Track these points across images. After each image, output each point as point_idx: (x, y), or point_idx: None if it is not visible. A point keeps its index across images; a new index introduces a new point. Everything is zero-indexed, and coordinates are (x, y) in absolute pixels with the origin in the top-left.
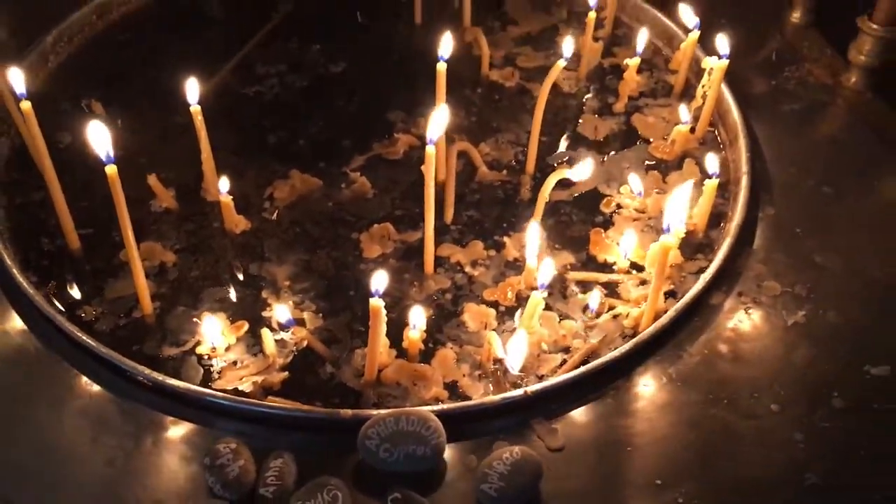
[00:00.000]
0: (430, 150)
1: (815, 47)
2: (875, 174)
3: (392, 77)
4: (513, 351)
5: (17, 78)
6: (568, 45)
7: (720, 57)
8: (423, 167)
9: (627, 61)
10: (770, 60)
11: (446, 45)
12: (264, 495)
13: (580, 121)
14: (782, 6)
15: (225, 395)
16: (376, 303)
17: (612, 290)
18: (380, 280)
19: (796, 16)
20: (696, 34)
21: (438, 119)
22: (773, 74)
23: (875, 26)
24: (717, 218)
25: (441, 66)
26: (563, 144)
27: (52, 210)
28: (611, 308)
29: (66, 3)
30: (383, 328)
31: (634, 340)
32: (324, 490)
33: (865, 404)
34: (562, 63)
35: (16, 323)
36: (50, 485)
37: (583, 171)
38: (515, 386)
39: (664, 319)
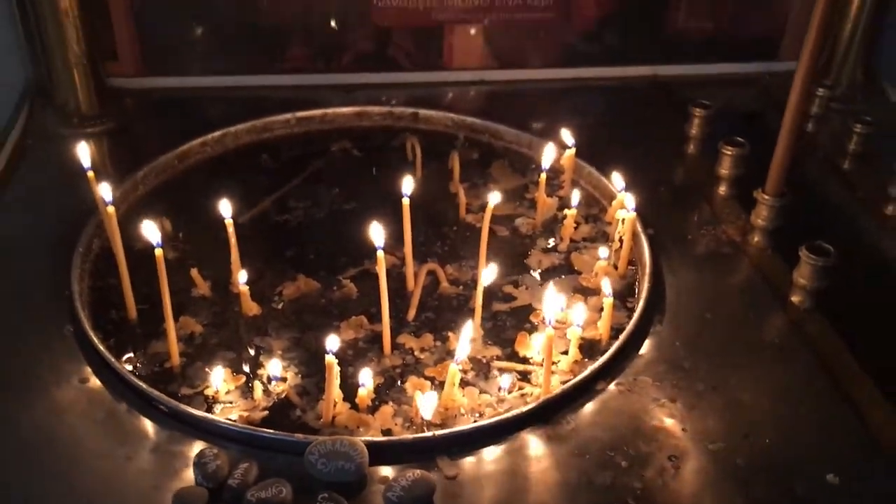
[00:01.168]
0: (379, 254)
1: (732, 213)
2: (757, 314)
3: (388, 214)
4: (425, 403)
5: (107, 191)
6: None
7: (629, 211)
8: (377, 267)
9: (566, 211)
10: (694, 220)
11: (408, 186)
12: (231, 485)
13: (529, 254)
14: (712, 181)
15: (217, 419)
16: (330, 359)
17: (525, 377)
18: (332, 342)
19: (722, 189)
20: (622, 195)
21: (376, 235)
22: (695, 230)
23: (767, 197)
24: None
25: (405, 201)
26: (512, 271)
27: (119, 291)
28: (520, 388)
29: (157, 148)
30: (336, 380)
31: (528, 406)
32: (273, 486)
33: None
34: (495, 199)
35: (86, 368)
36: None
37: (489, 275)
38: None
39: (554, 393)
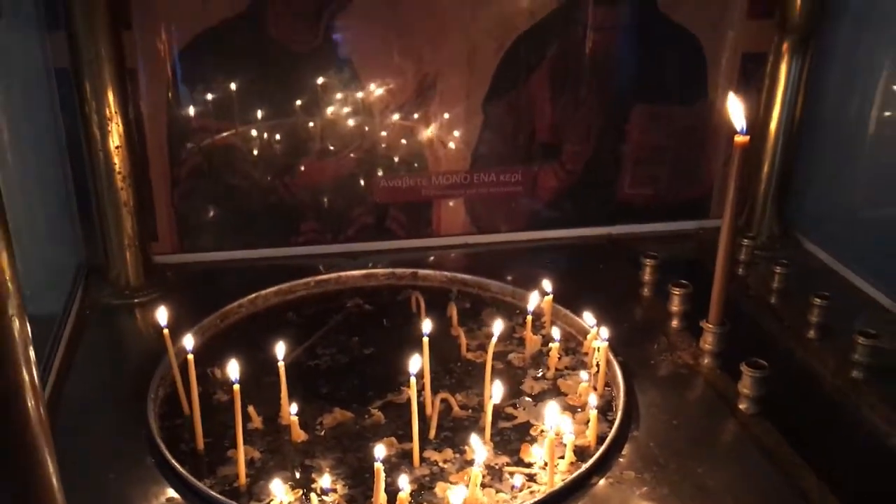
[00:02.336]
0: (412, 380)
1: (684, 342)
2: (712, 420)
3: (403, 355)
4: (454, 497)
5: (189, 341)
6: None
7: (603, 341)
8: (407, 392)
9: (551, 345)
10: (654, 348)
11: (427, 326)
12: None
13: (523, 382)
14: (666, 317)
15: None
16: (378, 465)
17: (532, 478)
18: (379, 451)
19: (674, 323)
20: (594, 331)
21: (414, 365)
22: (656, 357)
23: (711, 326)
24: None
25: (425, 339)
26: (511, 396)
27: (185, 428)
28: (528, 487)
29: (198, 312)
30: (382, 483)
31: (536, 497)
32: None
33: None
34: (498, 327)
35: (170, 490)
36: None
37: (497, 392)
38: None
39: (557, 487)
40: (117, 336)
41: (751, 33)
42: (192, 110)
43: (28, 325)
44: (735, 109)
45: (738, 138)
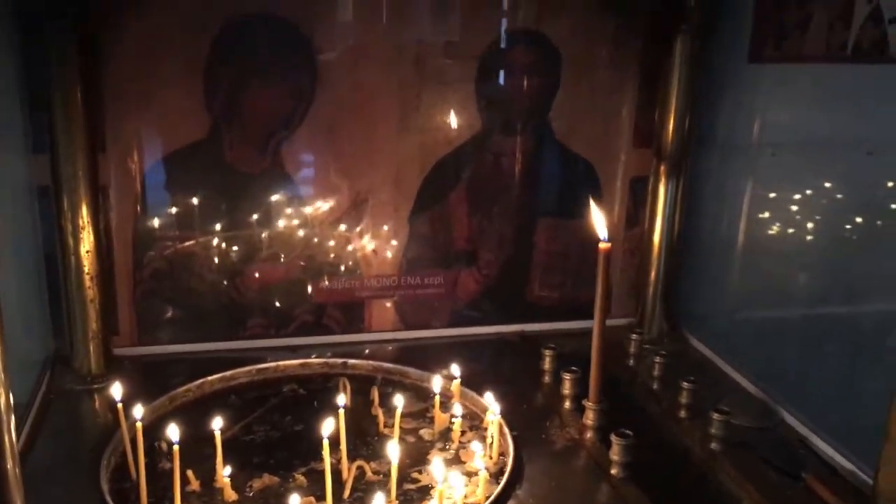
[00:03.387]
0: (325, 443)
1: (573, 419)
2: (590, 483)
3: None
4: None
5: (138, 410)
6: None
7: (495, 415)
8: (322, 460)
9: (454, 421)
10: (547, 425)
11: (342, 401)
12: None
13: (430, 453)
14: (560, 399)
15: None
16: None
17: None
18: (294, 500)
19: (567, 404)
20: (491, 408)
21: (326, 429)
22: (549, 432)
23: (591, 404)
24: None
25: (341, 411)
26: (417, 464)
27: (136, 490)
28: None
29: (153, 395)
30: None
31: None
32: None
33: None
34: (400, 401)
35: None
36: None
37: (394, 453)
38: None
39: None
40: (77, 417)
41: (636, 159)
42: (156, 221)
43: (11, 397)
44: (598, 220)
45: (602, 245)
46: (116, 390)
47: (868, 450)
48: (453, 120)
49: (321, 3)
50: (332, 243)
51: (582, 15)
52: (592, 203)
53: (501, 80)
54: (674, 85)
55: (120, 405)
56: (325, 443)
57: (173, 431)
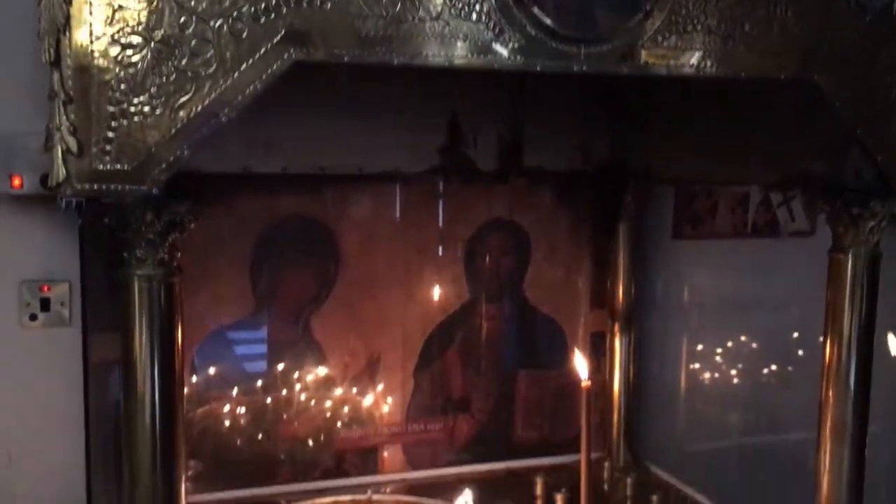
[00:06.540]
0: None
1: None
2: None
3: None
4: None
5: None
6: None
7: None
8: None
9: None
10: None
11: None
12: None
13: None
14: None
15: None
16: None
17: None
18: None
19: None
20: None
21: None
22: None
23: None
24: None
25: None
26: None
27: None
28: None
29: None
30: None
31: None
32: None
33: None
34: None
35: None
36: None
37: None
38: None
39: None
40: None
41: (594, 318)
42: (204, 384)
43: None
44: (579, 363)
45: (584, 383)
46: None
47: None
48: (448, 292)
49: (344, 204)
50: (353, 392)
51: (544, 207)
52: (576, 350)
53: (484, 259)
54: (619, 261)
55: None
56: None
57: None
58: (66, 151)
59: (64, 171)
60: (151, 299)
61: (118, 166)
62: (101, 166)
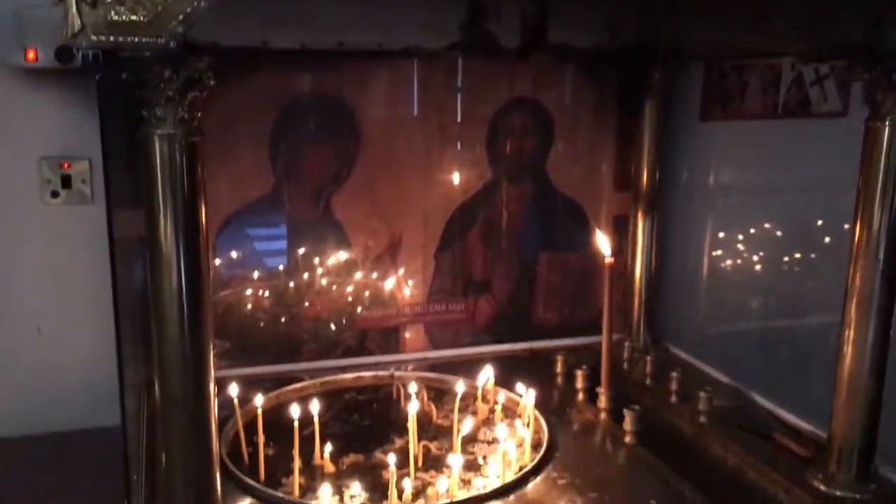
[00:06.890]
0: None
1: (588, 407)
2: (609, 448)
3: (388, 425)
4: (440, 484)
5: None
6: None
7: (528, 403)
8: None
9: (496, 407)
10: (567, 411)
11: (413, 387)
12: None
13: (477, 435)
14: (576, 394)
15: None
16: (392, 468)
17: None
18: (391, 458)
19: (580, 396)
20: (525, 396)
21: (412, 409)
22: (569, 417)
23: (602, 390)
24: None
25: (410, 408)
26: (469, 441)
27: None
28: (486, 487)
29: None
30: (394, 485)
31: (495, 485)
32: None
33: None
34: (458, 399)
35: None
36: None
37: (466, 426)
38: None
39: (506, 482)
40: None
41: (617, 201)
42: (227, 263)
43: None
44: (602, 241)
45: (607, 260)
46: (233, 389)
47: (820, 418)
48: (469, 173)
49: (363, 82)
50: (374, 276)
51: (569, 86)
52: (597, 230)
53: (506, 139)
54: (644, 143)
55: (235, 400)
56: (412, 418)
57: (295, 409)
58: (81, 0)
59: (79, 22)
60: (173, 159)
61: (133, 17)
62: (116, 17)
